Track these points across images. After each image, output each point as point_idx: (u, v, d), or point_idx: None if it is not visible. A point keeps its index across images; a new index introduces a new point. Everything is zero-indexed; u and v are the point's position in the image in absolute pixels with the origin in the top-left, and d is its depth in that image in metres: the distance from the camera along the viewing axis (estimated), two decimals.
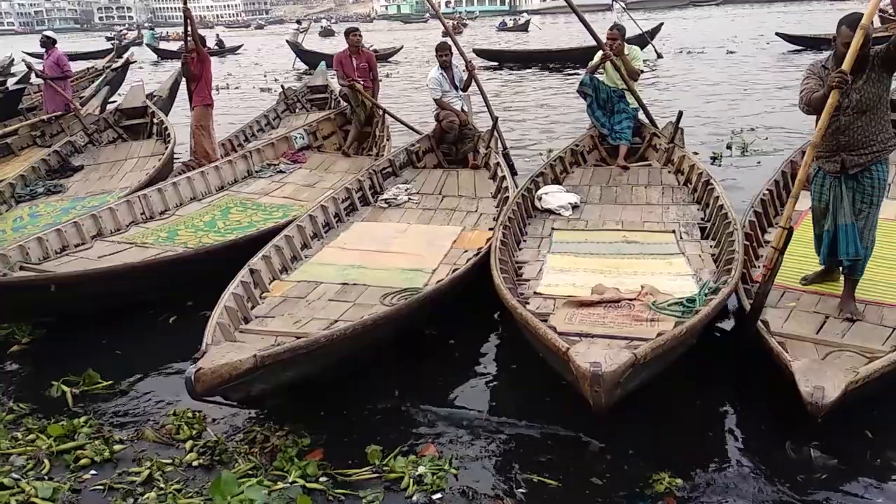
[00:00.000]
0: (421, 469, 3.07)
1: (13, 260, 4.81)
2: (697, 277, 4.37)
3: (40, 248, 5.11)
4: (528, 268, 4.78)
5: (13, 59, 15.13)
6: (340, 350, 3.39)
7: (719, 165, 8.57)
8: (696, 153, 8.57)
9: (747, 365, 3.79)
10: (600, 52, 6.99)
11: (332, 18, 63.08)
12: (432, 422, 3.53)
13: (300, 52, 24.78)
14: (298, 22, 38.49)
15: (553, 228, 5.52)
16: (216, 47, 36.50)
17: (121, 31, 47.60)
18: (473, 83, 7.68)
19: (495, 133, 7.27)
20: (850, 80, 3.55)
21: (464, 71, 7.58)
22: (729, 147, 9.24)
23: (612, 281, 4.30)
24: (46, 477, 3.04)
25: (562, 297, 4.14)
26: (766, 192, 5.53)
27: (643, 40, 22.33)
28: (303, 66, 23.35)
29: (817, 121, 3.61)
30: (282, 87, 11.10)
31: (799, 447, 3.17)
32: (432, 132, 7.55)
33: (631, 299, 3.95)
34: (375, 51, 26.99)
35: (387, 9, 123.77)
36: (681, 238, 5.13)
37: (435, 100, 7.46)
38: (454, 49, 7.69)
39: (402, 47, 26.24)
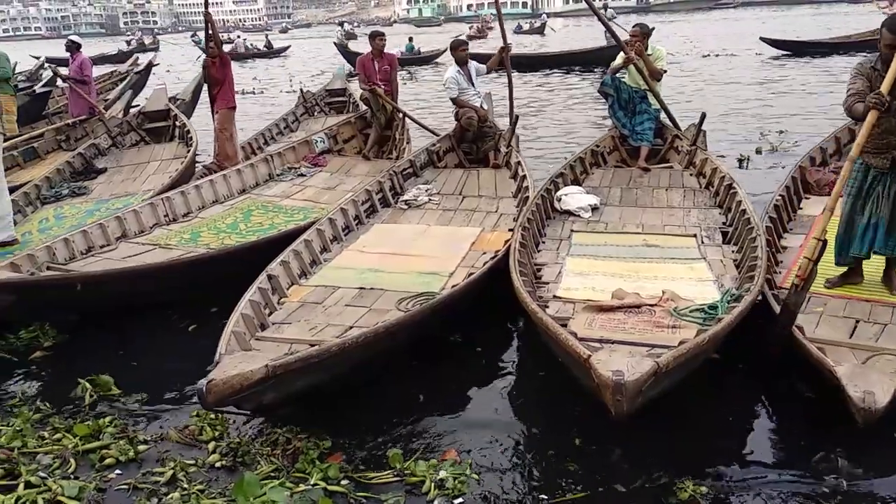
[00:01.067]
0: (442, 473, 3.06)
1: (40, 260, 4.89)
2: (719, 283, 4.31)
3: (66, 249, 5.19)
4: (546, 270, 4.75)
5: (44, 63, 15.35)
6: (353, 358, 3.37)
7: (745, 168, 8.47)
8: (721, 156, 8.50)
9: (772, 371, 3.75)
10: (622, 54, 6.95)
11: (354, 22, 63.61)
12: (453, 426, 3.52)
13: (346, 53, 25.02)
14: (342, 24, 39.03)
15: (572, 230, 5.48)
16: (265, 48, 36.92)
17: (139, 36, 48.82)
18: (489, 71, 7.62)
19: (516, 131, 7.24)
20: (890, 100, 3.55)
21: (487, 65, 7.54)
22: (759, 151, 9.12)
23: (633, 285, 4.26)
24: (72, 476, 3.08)
25: (581, 302, 4.11)
26: (779, 196, 5.47)
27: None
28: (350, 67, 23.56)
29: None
30: (300, 90, 11.17)
31: (826, 455, 3.11)
32: (452, 131, 7.55)
33: (652, 305, 3.91)
34: (419, 52, 27.15)
35: (408, 12, 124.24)
36: (702, 242, 5.07)
37: (452, 99, 7.44)
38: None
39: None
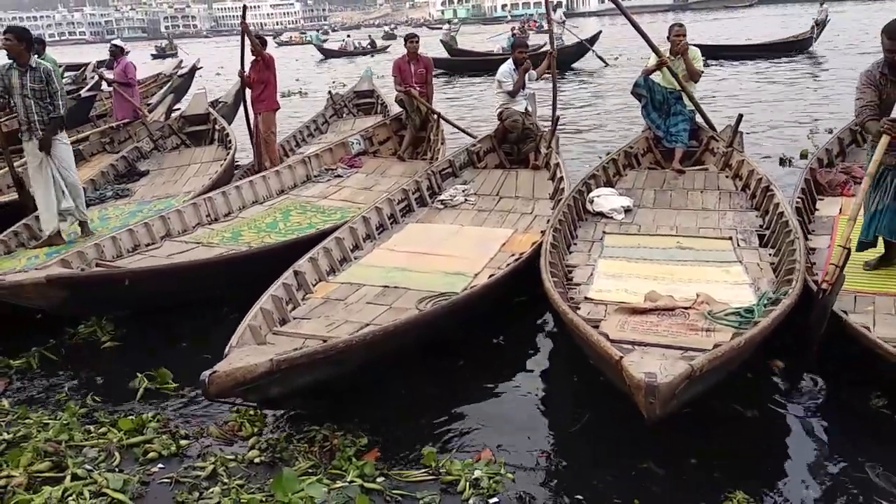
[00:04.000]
0: (477, 472, 3.07)
1: (89, 257, 5.04)
2: (755, 286, 4.24)
3: (114, 247, 5.35)
4: (578, 272, 4.71)
5: (91, 67, 15.71)
6: (360, 356, 3.38)
7: (790, 166, 8.30)
8: (767, 157, 8.35)
9: (812, 377, 3.68)
10: (653, 56, 6.87)
11: (392, 25, 64.22)
12: (488, 426, 3.53)
13: (452, 51, 25.18)
14: (449, 22, 39.42)
15: (604, 232, 5.44)
16: (368, 47, 37.43)
17: (169, 42, 50.35)
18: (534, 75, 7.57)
19: (556, 133, 7.20)
20: None
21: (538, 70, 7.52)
22: (804, 156, 8.91)
23: (666, 288, 4.21)
24: (117, 469, 3.15)
25: (613, 304, 4.07)
26: (798, 199, 5.41)
27: (583, 48, 22.06)
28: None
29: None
30: (329, 92, 11.28)
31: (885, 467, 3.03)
32: (494, 132, 7.54)
33: (685, 308, 3.85)
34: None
35: (443, 13, 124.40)
36: (738, 245, 4.98)
37: (508, 92, 7.35)
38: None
39: (545, 44, 25.32)
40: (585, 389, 3.89)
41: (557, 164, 6.67)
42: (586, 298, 4.23)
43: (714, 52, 20.33)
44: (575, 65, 22.05)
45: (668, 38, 6.85)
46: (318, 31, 51.24)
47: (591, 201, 5.85)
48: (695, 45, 7.15)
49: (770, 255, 4.77)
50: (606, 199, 5.85)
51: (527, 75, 7.37)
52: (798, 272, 3.87)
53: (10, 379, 4.29)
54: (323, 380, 3.34)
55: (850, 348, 3.51)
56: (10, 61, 5.69)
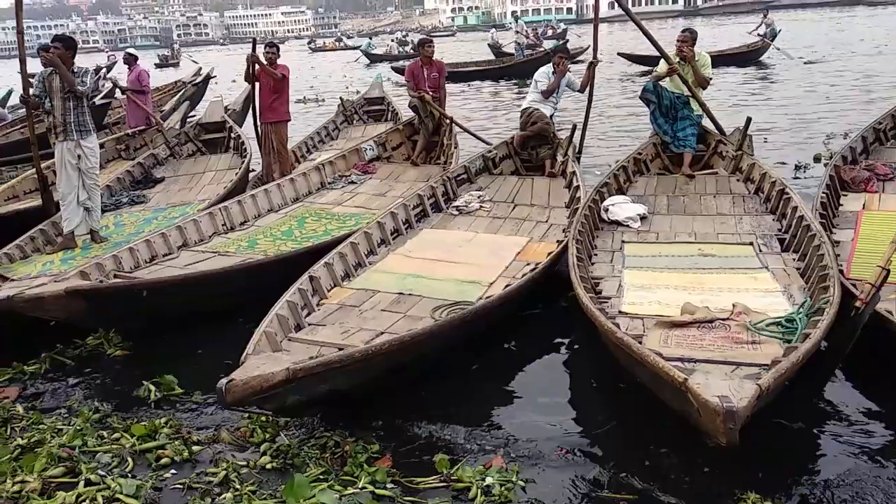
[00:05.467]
0: (489, 480, 3.06)
1: (107, 268, 5.05)
2: (787, 294, 4.17)
3: (132, 258, 5.36)
4: (605, 284, 4.61)
5: (103, 74, 15.90)
6: (377, 365, 3.37)
7: (803, 176, 8.25)
8: (783, 163, 8.30)
9: (838, 383, 3.66)
10: (663, 62, 6.85)
11: (404, 32, 64.62)
12: (500, 433, 3.52)
13: (498, 53, 25.41)
14: (495, 27, 39.83)
15: (623, 241, 5.38)
16: (411, 51, 37.73)
17: (177, 50, 50.97)
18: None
19: (573, 141, 7.19)
20: None
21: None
22: (817, 159, 8.86)
23: (698, 298, 4.13)
24: (130, 474, 3.17)
25: (649, 317, 3.98)
26: (823, 194, 5.41)
27: (547, 58, 22.09)
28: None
29: None
30: (340, 98, 11.31)
31: None
32: (511, 138, 7.52)
33: (724, 319, 3.78)
34: (566, 53, 26.74)
35: (453, 21, 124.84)
36: (760, 251, 4.95)
37: (541, 91, 7.33)
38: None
39: (588, 46, 25.47)
40: (599, 399, 3.90)
41: (574, 173, 6.62)
42: (620, 312, 4.11)
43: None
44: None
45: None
46: (369, 37, 53.09)
47: (606, 210, 5.79)
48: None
49: (794, 259, 4.72)
50: (621, 208, 5.81)
51: (569, 84, 7.36)
52: (832, 278, 3.80)
53: (24, 385, 4.32)
54: (338, 389, 3.34)
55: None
56: (51, 68, 5.89)
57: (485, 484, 3.04)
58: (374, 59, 35.62)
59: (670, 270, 4.74)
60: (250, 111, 8.67)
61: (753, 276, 4.54)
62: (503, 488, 3.01)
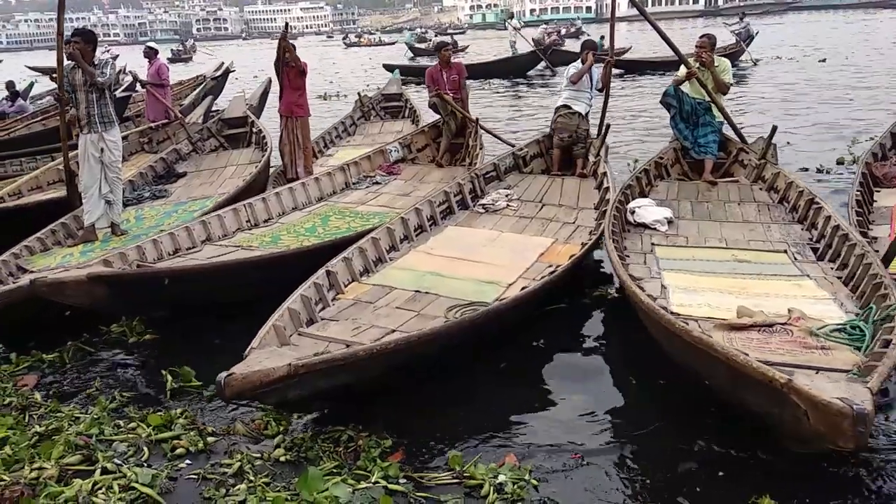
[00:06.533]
0: (501, 477, 3.06)
1: (130, 258, 5.09)
2: (838, 301, 4.08)
3: (155, 249, 5.40)
4: (646, 285, 4.45)
5: (124, 69, 16.03)
6: (382, 364, 3.35)
7: (826, 179, 8.14)
8: (805, 169, 8.21)
9: None
10: (683, 67, 6.79)
11: (423, 29, 64.78)
12: (514, 431, 3.52)
13: (544, 50, 25.40)
14: (546, 23, 40.03)
15: (653, 244, 5.30)
16: (453, 49, 37.91)
17: (189, 45, 51.61)
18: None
19: (606, 142, 7.11)
20: None
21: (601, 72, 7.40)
22: (840, 162, 8.77)
23: (748, 303, 4.02)
24: (146, 464, 3.19)
25: (702, 319, 3.87)
26: (857, 192, 5.38)
27: (536, 57, 22.78)
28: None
29: None
30: (358, 94, 11.32)
31: None
32: (543, 136, 7.49)
33: (783, 324, 3.66)
34: (595, 49, 26.73)
35: (471, 18, 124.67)
36: (795, 259, 4.86)
37: (569, 77, 7.26)
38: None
39: (630, 47, 25.18)
40: (617, 401, 3.85)
41: (605, 174, 6.53)
42: (672, 314, 3.93)
43: (634, 67, 21.03)
44: (529, 73, 23.06)
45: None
46: (411, 30, 55.28)
47: (633, 212, 5.71)
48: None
49: (832, 269, 4.65)
50: (648, 210, 5.72)
51: (593, 80, 7.29)
52: (890, 287, 3.73)
53: (43, 373, 4.37)
54: (342, 385, 3.34)
55: None
56: (73, 62, 5.96)
57: (497, 482, 3.04)
58: (417, 53, 35.57)
59: (708, 274, 4.66)
60: (262, 109, 8.69)
61: (797, 283, 4.45)
62: (516, 486, 3.01)
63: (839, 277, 4.49)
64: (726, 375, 2.95)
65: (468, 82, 8.81)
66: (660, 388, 3.94)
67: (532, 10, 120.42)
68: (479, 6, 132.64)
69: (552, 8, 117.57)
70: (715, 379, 3.19)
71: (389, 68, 24.26)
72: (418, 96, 12.30)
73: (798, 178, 6.06)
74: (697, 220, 5.84)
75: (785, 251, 5.02)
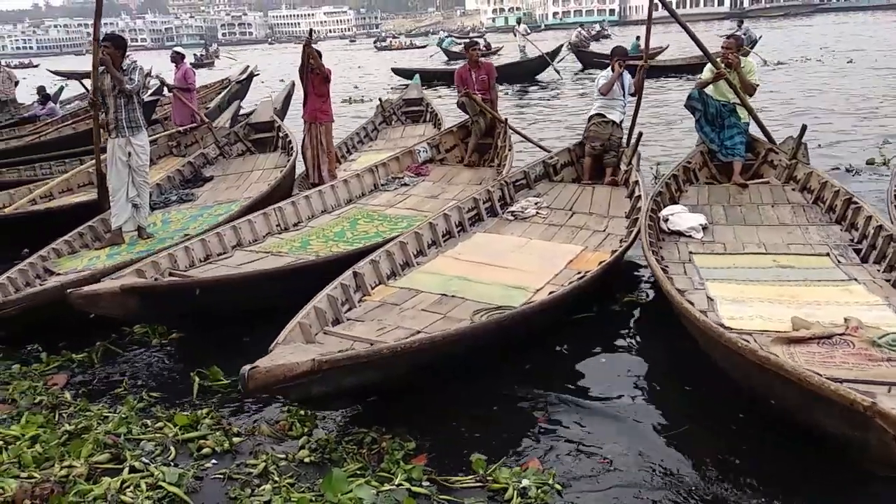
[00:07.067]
0: (525, 482, 3.05)
1: (163, 267, 5.12)
2: (893, 307, 3.96)
3: (187, 257, 5.43)
4: (692, 297, 4.28)
5: (150, 73, 16.28)
6: (406, 363, 3.33)
7: (856, 181, 8.02)
8: (835, 169, 8.09)
9: None
10: (709, 66, 6.71)
11: (445, 33, 65.05)
12: (538, 436, 3.51)
13: (580, 53, 25.53)
14: (581, 25, 40.23)
15: (691, 252, 5.17)
16: (485, 49, 38.20)
17: (212, 50, 52.21)
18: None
19: (638, 150, 7.01)
20: None
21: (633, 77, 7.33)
22: (871, 162, 8.62)
23: (800, 312, 3.91)
24: (173, 463, 3.22)
25: (757, 332, 3.73)
26: (895, 196, 5.24)
27: (544, 62, 22.50)
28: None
29: None
30: (380, 99, 11.36)
31: None
32: (574, 145, 7.42)
33: (840, 334, 3.52)
34: (625, 55, 26.56)
35: (494, 21, 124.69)
36: (838, 262, 4.74)
37: (599, 88, 7.19)
38: None
39: (668, 46, 25.02)
40: (644, 409, 3.80)
41: (637, 182, 6.42)
42: (724, 327, 3.78)
43: (651, 72, 20.12)
44: (539, 77, 22.97)
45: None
46: (448, 35, 55.66)
47: (666, 220, 5.59)
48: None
49: (879, 271, 4.53)
50: (681, 218, 5.61)
51: (628, 82, 7.21)
52: None
53: (72, 372, 4.45)
54: (366, 383, 3.34)
55: None
56: (103, 67, 6.05)
57: (521, 486, 3.03)
58: (451, 56, 35.76)
59: (753, 283, 4.52)
60: (285, 112, 8.71)
61: (845, 288, 4.33)
62: (540, 491, 3.00)
63: (888, 280, 4.37)
64: (798, 397, 2.80)
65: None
66: (690, 396, 3.91)
67: (555, 14, 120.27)
68: (502, 9, 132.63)
69: (575, 11, 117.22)
70: (785, 400, 3.05)
71: (400, 72, 24.46)
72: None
73: (832, 178, 5.93)
74: (732, 224, 5.73)
75: (827, 254, 4.89)
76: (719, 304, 4.21)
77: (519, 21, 31.44)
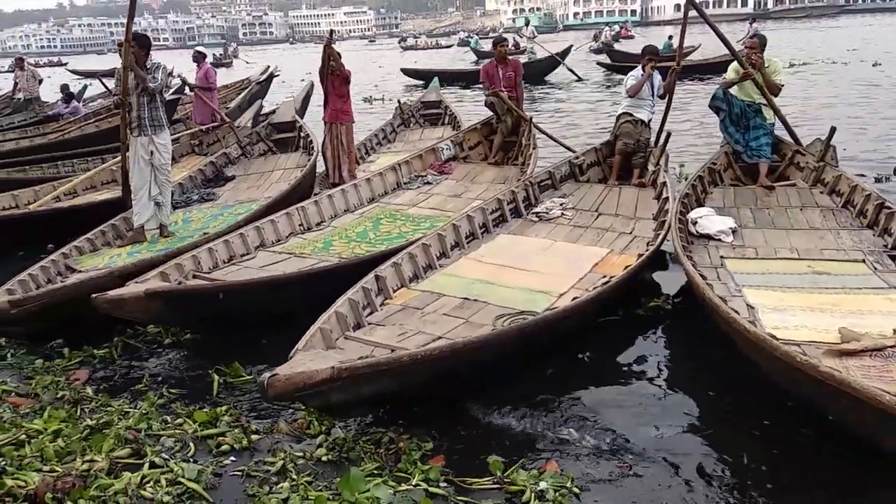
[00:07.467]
0: (543, 484, 3.04)
1: (187, 269, 5.14)
2: None
3: (210, 258, 5.43)
4: (731, 305, 4.07)
5: (172, 72, 16.46)
6: (426, 371, 3.30)
7: (885, 191, 7.88)
8: (862, 175, 7.97)
9: None
10: (733, 66, 6.64)
11: (466, 33, 65.17)
12: (557, 439, 3.49)
13: (610, 52, 25.47)
14: (608, 24, 40.32)
15: (722, 257, 5.06)
16: (513, 49, 38.28)
17: (230, 50, 52.75)
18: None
19: (666, 151, 6.91)
20: None
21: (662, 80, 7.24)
22: None
23: (844, 322, 3.78)
24: (192, 459, 3.24)
25: (806, 343, 3.59)
26: None
27: (554, 62, 22.58)
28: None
29: None
30: (398, 101, 11.36)
31: None
32: (601, 144, 7.34)
33: (892, 346, 3.38)
34: (655, 55, 26.50)
35: (514, 22, 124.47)
36: (875, 269, 4.64)
37: (628, 89, 7.13)
38: None
39: (699, 45, 24.25)
40: (665, 416, 3.75)
41: (664, 183, 6.28)
42: (776, 339, 3.60)
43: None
44: (548, 77, 23.01)
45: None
46: (477, 34, 57.19)
47: (694, 223, 5.48)
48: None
49: None
50: (710, 221, 5.49)
51: (658, 82, 7.14)
52: None
53: (94, 367, 4.50)
54: (386, 391, 3.32)
55: None
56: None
57: (539, 488, 3.01)
58: (481, 56, 35.90)
59: (791, 290, 4.40)
60: (304, 111, 8.73)
61: (887, 297, 4.22)
62: (557, 494, 2.98)
63: None
64: (869, 416, 2.72)
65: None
66: (715, 405, 3.87)
67: (576, 14, 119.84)
68: (522, 10, 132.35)
69: (596, 11, 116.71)
70: (850, 417, 2.96)
71: (409, 73, 24.49)
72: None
73: (862, 181, 5.81)
74: (761, 228, 5.62)
75: (863, 261, 4.78)
76: (761, 312, 4.08)
77: (526, 22, 31.48)
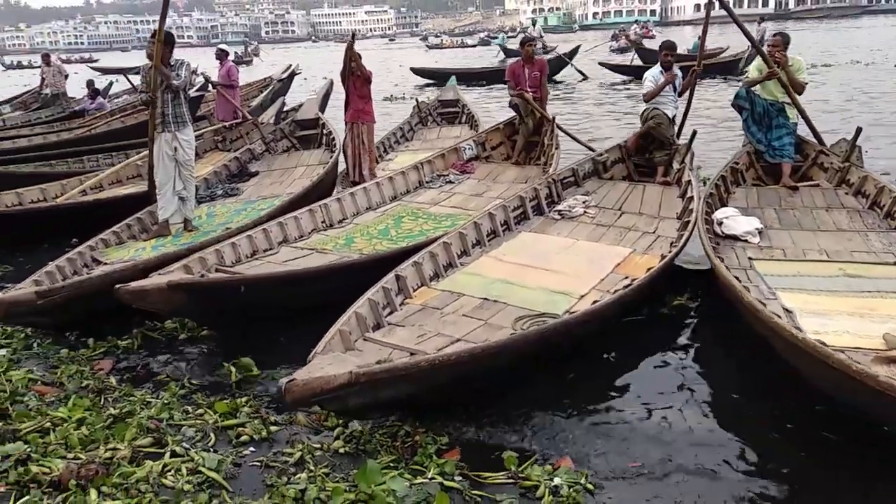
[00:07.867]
0: (557, 480, 3.06)
1: (210, 263, 5.20)
2: None
3: (233, 253, 5.48)
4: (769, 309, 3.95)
5: (196, 70, 16.64)
6: (445, 375, 3.26)
7: None
8: (886, 174, 7.88)
9: None
10: (755, 65, 6.58)
11: (486, 33, 65.31)
12: (572, 437, 3.51)
13: (641, 51, 25.46)
14: (636, 22, 40.22)
15: (750, 258, 4.96)
16: (540, 49, 38.35)
17: (251, 48, 53.09)
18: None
19: (692, 149, 6.80)
20: None
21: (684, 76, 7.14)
22: None
23: (885, 327, 3.68)
24: (212, 449, 3.31)
25: (850, 349, 3.47)
26: None
27: (562, 62, 22.63)
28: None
29: None
30: (416, 100, 11.38)
31: None
32: (626, 141, 7.26)
33: None
34: (673, 50, 26.36)
35: (533, 22, 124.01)
36: None
37: (644, 94, 7.05)
38: None
39: (728, 46, 23.72)
40: (681, 417, 3.74)
41: (689, 182, 6.15)
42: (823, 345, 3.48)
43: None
44: (555, 77, 22.72)
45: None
46: (504, 32, 58.33)
47: (720, 224, 5.39)
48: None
49: None
50: (736, 221, 5.39)
51: (679, 79, 7.04)
52: None
53: (118, 358, 4.59)
54: (404, 395, 3.32)
55: None
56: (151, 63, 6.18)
57: (553, 484, 3.04)
58: (509, 54, 35.88)
59: (825, 293, 4.30)
60: (324, 108, 8.76)
61: None
62: (571, 490, 3.01)
63: None
64: None
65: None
66: (738, 407, 3.86)
67: (595, 14, 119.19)
68: (542, 9, 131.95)
69: (615, 11, 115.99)
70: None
71: (419, 72, 24.54)
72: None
73: (889, 183, 5.72)
74: (787, 229, 5.53)
75: (895, 263, 4.71)
76: (798, 316, 3.99)
77: (534, 23, 31.51)
